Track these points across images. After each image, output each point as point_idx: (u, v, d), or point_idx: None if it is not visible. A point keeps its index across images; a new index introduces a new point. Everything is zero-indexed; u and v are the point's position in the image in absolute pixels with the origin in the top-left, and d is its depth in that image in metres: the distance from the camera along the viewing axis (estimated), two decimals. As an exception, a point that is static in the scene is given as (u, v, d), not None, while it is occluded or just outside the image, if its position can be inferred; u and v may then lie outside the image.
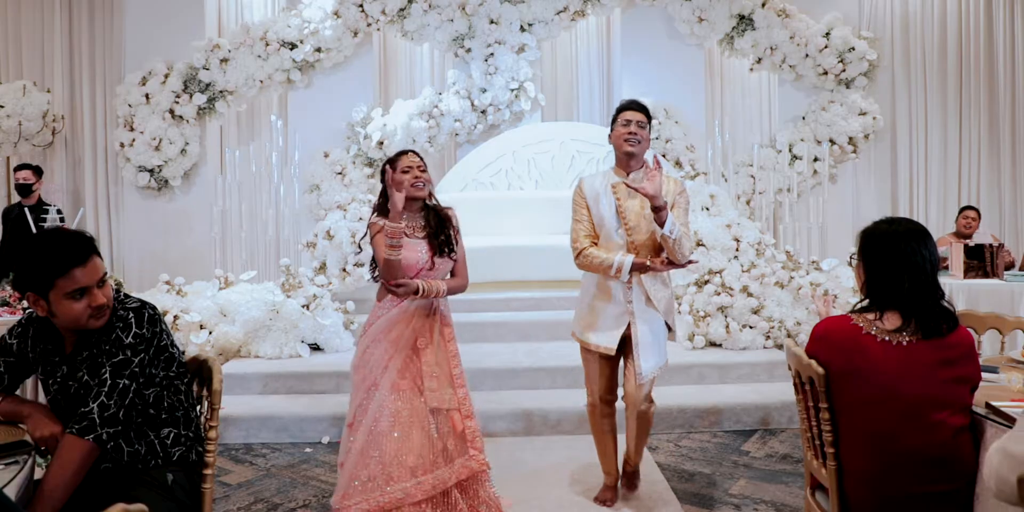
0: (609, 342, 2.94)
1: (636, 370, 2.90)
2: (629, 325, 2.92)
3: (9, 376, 2.01)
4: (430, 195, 2.84)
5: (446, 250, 2.74)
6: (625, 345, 2.96)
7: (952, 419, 1.91)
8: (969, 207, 6.32)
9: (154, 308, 1.96)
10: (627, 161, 2.94)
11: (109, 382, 1.82)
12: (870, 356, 1.95)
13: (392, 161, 2.78)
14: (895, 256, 1.97)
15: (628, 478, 3.20)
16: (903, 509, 1.95)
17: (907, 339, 1.93)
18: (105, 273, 1.87)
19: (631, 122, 2.91)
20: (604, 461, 3.17)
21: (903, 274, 1.96)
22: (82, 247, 1.81)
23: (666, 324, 3.00)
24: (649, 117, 2.97)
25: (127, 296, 1.97)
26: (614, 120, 2.98)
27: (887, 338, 1.94)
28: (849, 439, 2.01)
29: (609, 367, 3.03)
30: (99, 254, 1.86)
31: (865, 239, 2.06)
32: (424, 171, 2.76)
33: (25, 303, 3.97)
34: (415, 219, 2.78)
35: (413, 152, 2.80)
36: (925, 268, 1.97)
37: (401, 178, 2.70)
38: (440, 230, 2.76)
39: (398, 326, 2.73)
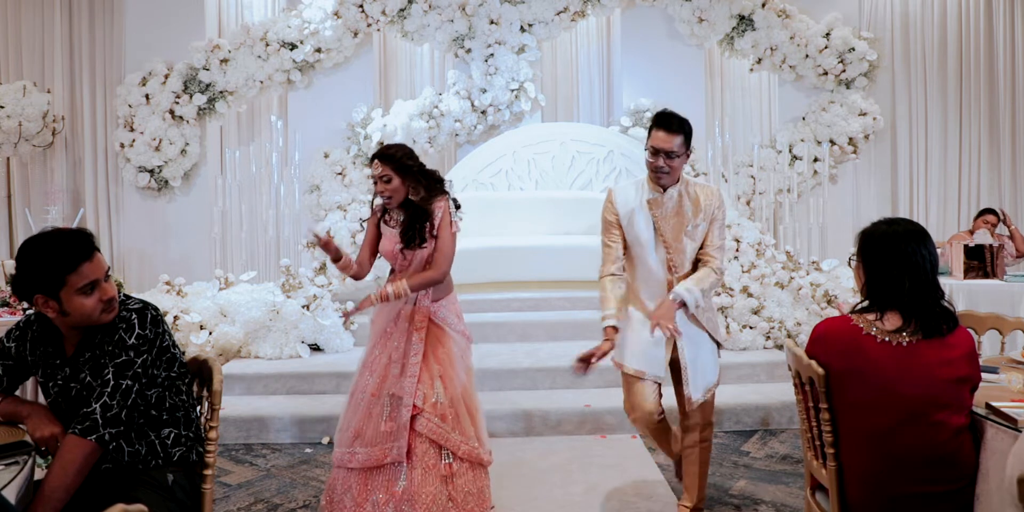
0: (656, 370, 2.73)
1: (686, 395, 2.75)
2: (676, 347, 2.74)
3: (8, 378, 2.02)
4: (431, 187, 2.87)
5: (415, 242, 2.81)
6: (675, 367, 2.79)
7: (952, 419, 1.91)
8: (989, 211, 6.20)
9: (156, 309, 1.97)
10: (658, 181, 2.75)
11: (112, 383, 1.83)
12: (870, 357, 1.95)
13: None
14: (895, 256, 1.97)
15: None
16: (903, 509, 1.95)
17: (907, 340, 1.94)
18: (108, 267, 1.90)
19: (659, 153, 2.66)
20: (664, 450, 3.05)
21: (903, 274, 1.96)
22: (85, 242, 1.84)
23: (714, 340, 2.82)
24: (687, 136, 2.69)
25: (128, 297, 1.98)
26: (649, 132, 2.72)
27: (887, 339, 1.94)
28: (849, 439, 2.01)
29: (655, 389, 2.80)
30: (99, 249, 1.89)
31: (864, 239, 2.05)
32: (389, 181, 2.81)
33: (25, 304, 3.97)
34: (398, 212, 2.90)
35: (379, 158, 2.83)
36: (925, 268, 1.97)
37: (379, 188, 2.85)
38: (412, 223, 2.82)
39: (380, 315, 2.94)
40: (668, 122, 2.68)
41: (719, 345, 2.87)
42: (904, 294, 1.96)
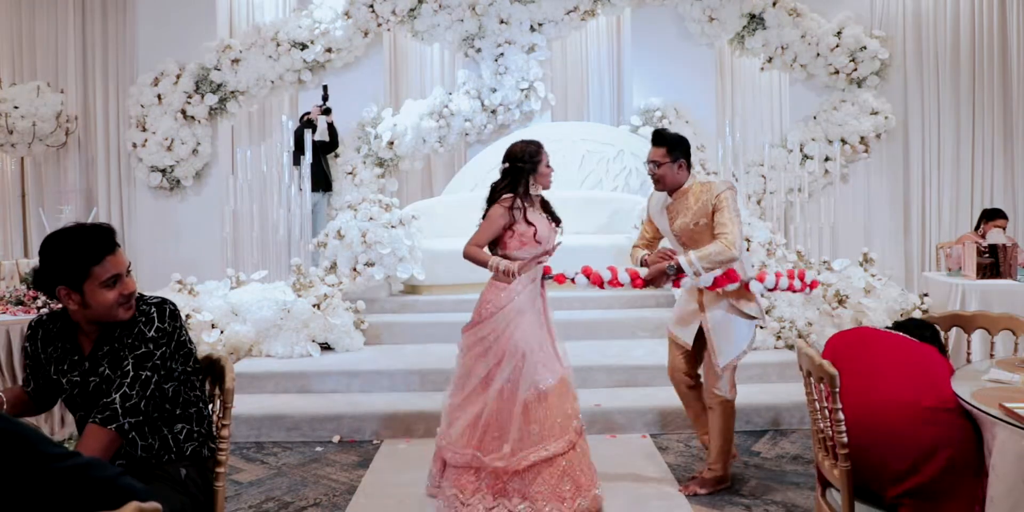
0: (686, 337, 3.20)
1: (713, 361, 3.11)
2: (702, 320, 3.13)
3: (33, 378, 2.05)
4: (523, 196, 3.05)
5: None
6: (702, 336, 3.18)
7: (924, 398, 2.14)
8: (998, 213, 6.10)
9: (174, 304, 2.00)
10: None
11: (132, 373, 1.86)
12: (866, 334, 2.38)
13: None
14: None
15: (700, 475, 3.27)
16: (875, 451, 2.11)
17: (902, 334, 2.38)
18: (129, 263, 1.93)
19: (648, 163, 3.13)
20: (696, 431, 3.44)
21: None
22: (108, 236, 1.87)
23: (746, 315, 3.12)
24: (671, 147, 3.06)
25: (142, 295, 2.00)
26: None
27: (890, 331, 2.41)
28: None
29: (684, 354, 3.26)
30: (120, 245, 1.92)
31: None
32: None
33: (39, 302, 4.01)
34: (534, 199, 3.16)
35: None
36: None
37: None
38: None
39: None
40: (654, 136, 3.15)
41: (752, 318, 3.15)
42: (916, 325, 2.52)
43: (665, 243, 3.24)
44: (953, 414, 2.08)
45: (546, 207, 3.10)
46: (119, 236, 1.93)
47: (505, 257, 2.95)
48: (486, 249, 2.97)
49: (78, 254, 1.82)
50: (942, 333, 3.08)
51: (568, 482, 2.85)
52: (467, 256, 2.96)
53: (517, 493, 2.81)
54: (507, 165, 3.02)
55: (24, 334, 2.06)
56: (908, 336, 2.39)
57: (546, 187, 3.07)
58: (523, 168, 2.99)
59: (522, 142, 3.07)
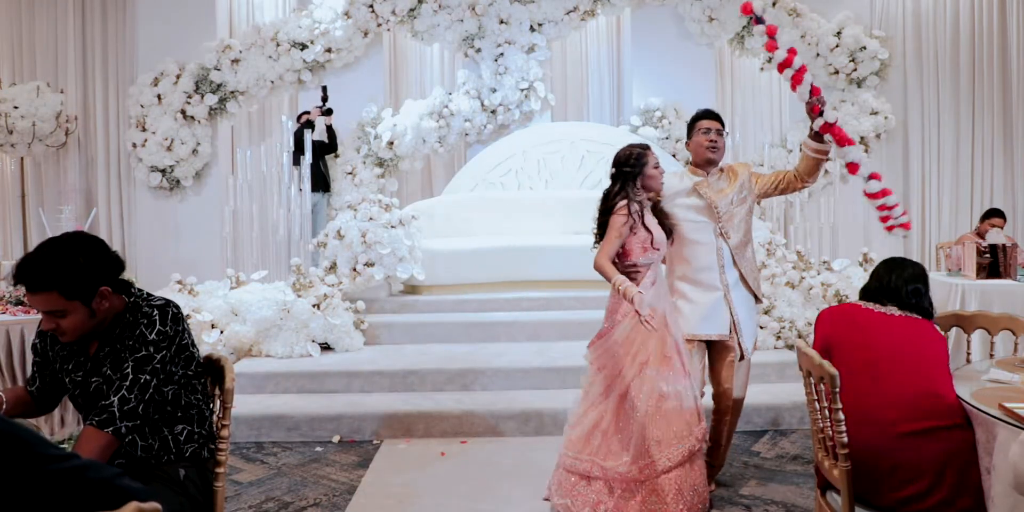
0: (722, 329, 3.04)
1: (743, 349, 3.06)
2: (730, 308, 3.05)
3: (39, 376, 2.05)
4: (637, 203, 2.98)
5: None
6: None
7: (933, 370, 2.17)
8: (996, 213, 6.15)
9: (177, 307, 1.99)
10: (707, 166, 3.13)
11: (131, 376, 1.85)
12: (858, 320, 2.34)
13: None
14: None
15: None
16: (901, 446, 2.09)
17: (897, 313, 2.33)
18: (62, 310, 1.81)
19: (711, 130, 3.11)
20: None
21: (906, 282, 2.40)
22: (42, 278, 1.78)
23: (756, 297, 3.14)
24: (723, 125, 3.17)
25: (150, 295, 2.00)
26: (692, 128, 3.18)
27: (879, 309, 2.36)
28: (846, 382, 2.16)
29: (703, 358, 3.11)
30: (61, 289, 1.78)
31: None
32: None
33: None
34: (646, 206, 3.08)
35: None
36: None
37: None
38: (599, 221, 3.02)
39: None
40: (709, 112, 3.23)
41: (759, 300, 3.18)
42: (904, 293, 2.37)
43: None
44: (957, 430, 2.07)
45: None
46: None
47: (631, 266, 2.91)
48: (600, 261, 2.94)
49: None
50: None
51: (680, 500, 2.78)
52: (598, 268, 2.90)
53: (628, 507, 2.77)
54: (614, 170, 3.00)
55: (36, 331, 2.05)
56: (899, 311, 2.33)
57: (655, 189, 3.02)
58: (630, 172, 2.96)
59: (628, 146, 3.03)
